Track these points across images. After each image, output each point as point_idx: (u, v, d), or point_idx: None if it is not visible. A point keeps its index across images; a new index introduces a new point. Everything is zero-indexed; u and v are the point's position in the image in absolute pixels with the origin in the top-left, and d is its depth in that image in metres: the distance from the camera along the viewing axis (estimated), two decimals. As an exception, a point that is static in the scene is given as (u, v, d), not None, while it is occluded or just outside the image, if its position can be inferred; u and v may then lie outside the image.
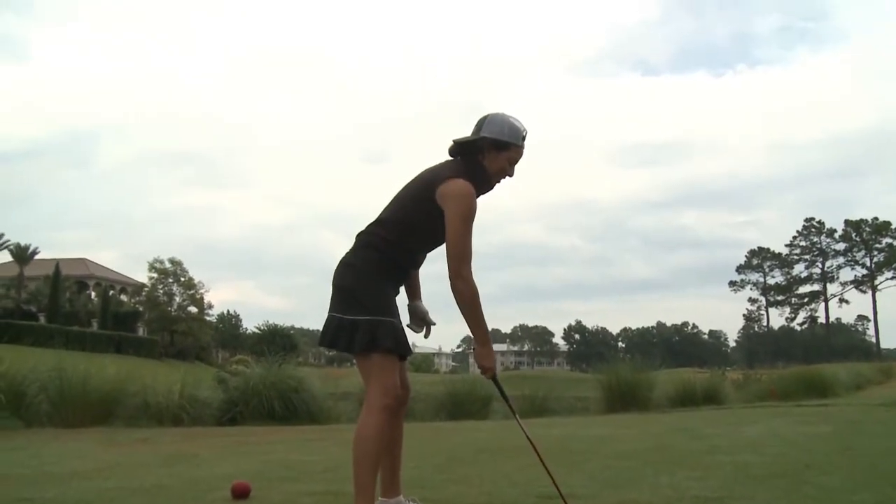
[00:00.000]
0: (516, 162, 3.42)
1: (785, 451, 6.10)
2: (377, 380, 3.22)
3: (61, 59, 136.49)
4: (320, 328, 3.40)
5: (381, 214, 3.44)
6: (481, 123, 3.39)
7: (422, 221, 3.32)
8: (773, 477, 4.74)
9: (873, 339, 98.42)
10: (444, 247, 3.29)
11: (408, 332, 3.44)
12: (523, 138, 3.40)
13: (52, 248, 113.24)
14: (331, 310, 3.34)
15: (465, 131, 3.45)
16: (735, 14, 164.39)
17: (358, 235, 3.43)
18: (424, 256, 3.54)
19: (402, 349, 3.32)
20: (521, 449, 6.64)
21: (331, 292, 3.37)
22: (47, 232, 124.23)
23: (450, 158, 3.46)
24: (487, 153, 3.35)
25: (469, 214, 3.25)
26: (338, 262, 3.41)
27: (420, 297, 3.64)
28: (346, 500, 3.33)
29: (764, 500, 3.93)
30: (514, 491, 4.32)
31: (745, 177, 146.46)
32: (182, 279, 64.09)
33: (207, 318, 68.56)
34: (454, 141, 3.43)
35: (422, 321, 3.60)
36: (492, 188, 3.45)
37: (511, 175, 3.43)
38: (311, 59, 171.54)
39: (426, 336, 3.64)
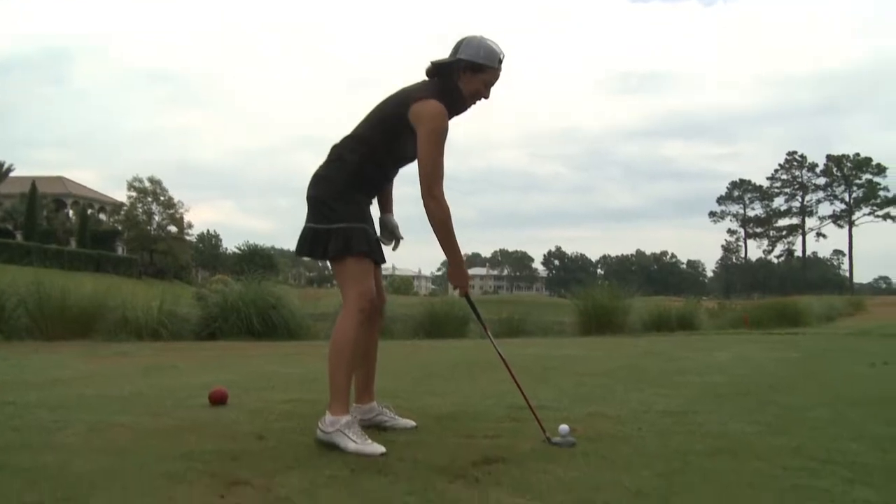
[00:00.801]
0: (492, 84, 3.43)
1: (752, 374, 6.28)
2: (353, 284, 3.28)
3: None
4: None
5: (354, 129, 3.47)
6: (458, 46, 3.40)
7: (393, 139, 3.35)
8: (738, 395, 4.89)
9: (847, 274, 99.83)
10: (416, 167, 3.32)
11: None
12: (500, 61, 3.40)
13: (28, 166, 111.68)
14: (306, 221, 3.39)
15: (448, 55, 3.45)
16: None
17: (332, 148, 3.46)
18: (396, 172, 3.57)
19: (376, 254, 3.39)
20: (495, 365, 6.76)
21: (306, 206, 3.42)
22: (23, 149, 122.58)
23: (426, 79, 3.47)
24: (463, 75, 3.36)
25: (441, 134, 3.27)
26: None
27: (391, 211, 3.69)
28: (321, 407, 3.41)
29: (727, 414, 4.06)
30: (486, 402, 4.43)
31: (729, 108, 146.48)
32: (162, 198, 63.58)
33: (187, 238, 68.32)
34: (431, 62, 3.44)
35: (391, 234, 3.65)
36: (466, 110, 3.46)
37: (487, 97, 3.44)
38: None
39: (394, 249, 3.70)
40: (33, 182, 55.76)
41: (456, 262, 3.42)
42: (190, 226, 67.43)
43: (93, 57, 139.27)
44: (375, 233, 3.44)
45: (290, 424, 3.61)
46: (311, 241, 3.35)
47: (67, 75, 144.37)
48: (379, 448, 3.05)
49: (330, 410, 3.19)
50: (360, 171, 3.38)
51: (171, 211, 64.05)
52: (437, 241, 3.34)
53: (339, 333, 3.25)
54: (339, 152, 3.41)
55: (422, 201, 3.27)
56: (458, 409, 4.21)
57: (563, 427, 3.28)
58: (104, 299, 10.72)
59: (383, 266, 3.67)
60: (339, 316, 3.30)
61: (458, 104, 3.39)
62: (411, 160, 3.36)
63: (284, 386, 5.13)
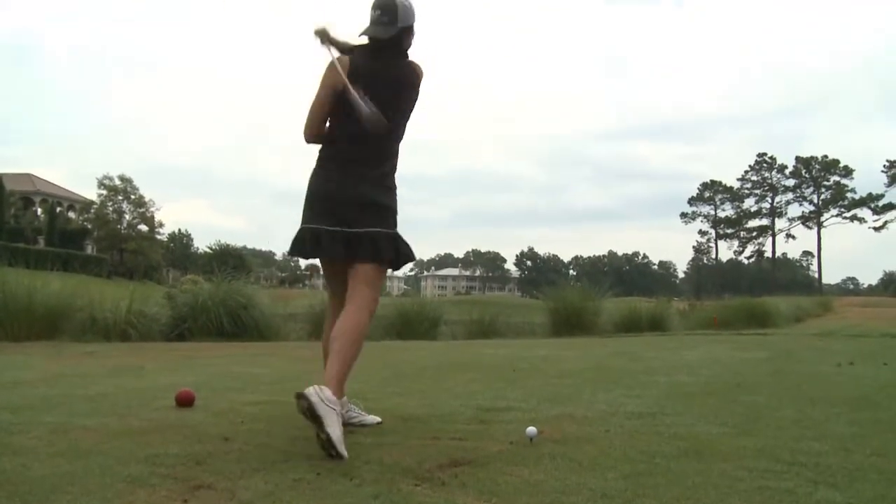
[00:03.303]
0: None
1: (719, 373, 6.32)
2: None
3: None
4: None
5: None
6: (396, 13, 3.46)
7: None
8: (705, 395, 4.93)
9: (816, 275, 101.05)
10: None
11: None
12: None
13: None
14: None
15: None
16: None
17: None
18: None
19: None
20: (465, 366, 6.80)
21: None
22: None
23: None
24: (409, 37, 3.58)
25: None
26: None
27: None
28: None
29: (694, 415, 4.08)
30: (454, 403, 4.42)
31: (703, 110, 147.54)
32: (132, 197, 63.05)
33: (158, 237, 67.77)
34: (380, 38, 3.50)
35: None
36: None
37: None
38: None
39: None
40: (0, 179, 54.92)
41: None
42: (161, 225, 67.03)
43: (62, 51, 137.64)
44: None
45: (256, 427, 3.58)
46: None
47: (35, 70, 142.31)
48: (343, 451, 2.94)
49: (338, 392, 3.16)
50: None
51: (142, 210, 63.57)
52: None
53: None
54: None
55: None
56: (425, 410, 4.19)
57: (531, 429, 3.28)
58: (71, 299, 10.59)
59: None
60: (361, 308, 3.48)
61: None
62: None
63: (252, 387, 5.10)
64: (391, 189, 3.61)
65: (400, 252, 3.57)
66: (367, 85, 3.42)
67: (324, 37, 3.48)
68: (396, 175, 3.67)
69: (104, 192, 62.37)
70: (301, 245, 3.54)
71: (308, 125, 3.57)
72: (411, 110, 3.62)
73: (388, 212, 3.56)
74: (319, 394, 2.97)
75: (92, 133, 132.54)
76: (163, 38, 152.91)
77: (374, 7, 3.48)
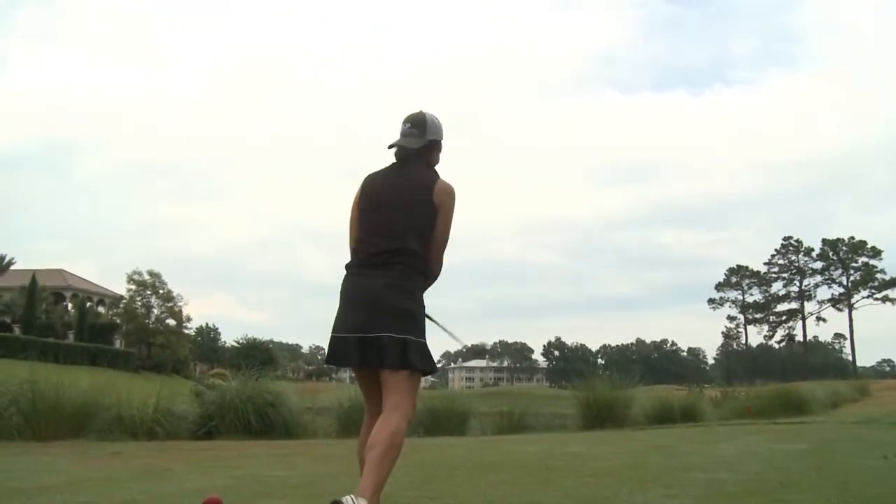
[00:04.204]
0: None
1: (759, 469, 6.12)
2: None
3: (40, 72, 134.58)
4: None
5: None
6: (425, 126, 3.71)
7: None
8: (747, 495, 4.75)
9: (850, 358, 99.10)
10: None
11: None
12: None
13: (28, 259, 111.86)
14: None
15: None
16: (712, 36, 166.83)
17: None
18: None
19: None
20: (497, 466, 6.64)
21: None
22: (24, 243, 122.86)
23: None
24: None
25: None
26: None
27: None
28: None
29: (737, 518, 3.93)
30: (487, 508, 4.30)
31: (723, 195, 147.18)
32: (161, 291, 63.64)
33: (186, 331, 68.05)
34: (407, 148, 3.71)
35: None
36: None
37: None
38: (287, 74, 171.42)
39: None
40: (33, 275, 55.70)
41: None
42: (188, 319, 67.37)
43: (93, 152, 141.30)
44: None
45: (284, 536, 3.49)
46: None
47: (69, 169, 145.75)
48: None
49: (373, 502, 3.14)
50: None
51: (170, 304, 64.05)
52: None
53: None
54: None
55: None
56: (459, 516, 4.07)
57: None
58: (99, 396, 10.54)
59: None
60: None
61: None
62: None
63: (280, 491, 4.99)
64: (411, 294, 3.56)
65: (408, 358, 3.42)
66: (380, 193, 3.65)
67: None
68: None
69: (133, 286, 63.11)
70: (327, 354, 3.64)
71: (349, 237, 3.77)
72: (432, 226, 3.61)
73: (404, 315, 3.49)
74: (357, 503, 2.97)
75: (122, 227, 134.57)
76: (189, 142, 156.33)
77: (405, 121, 3.72)
